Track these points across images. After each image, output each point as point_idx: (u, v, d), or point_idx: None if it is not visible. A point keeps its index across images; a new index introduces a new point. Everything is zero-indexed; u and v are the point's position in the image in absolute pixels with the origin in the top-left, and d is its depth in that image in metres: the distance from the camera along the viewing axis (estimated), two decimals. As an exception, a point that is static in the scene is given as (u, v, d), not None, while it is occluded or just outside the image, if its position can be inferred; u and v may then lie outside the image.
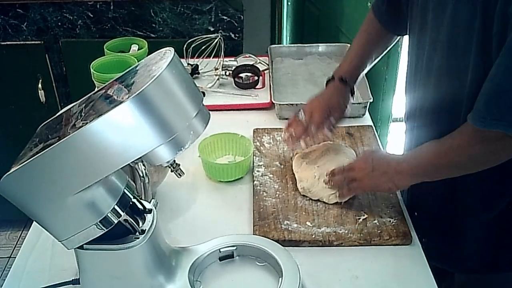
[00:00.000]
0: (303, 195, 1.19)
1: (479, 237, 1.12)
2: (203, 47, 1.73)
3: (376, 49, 1.30)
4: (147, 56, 0.85)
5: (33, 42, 2.06)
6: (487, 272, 1.16)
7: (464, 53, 0.94)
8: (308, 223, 1.11)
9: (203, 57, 1.74)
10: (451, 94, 1.01)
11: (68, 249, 0.83)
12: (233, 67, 1.72)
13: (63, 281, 0.95)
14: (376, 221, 1.10)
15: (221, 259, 0.99)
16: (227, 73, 1.69)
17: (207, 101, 1.38)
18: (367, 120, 1.52)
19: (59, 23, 2.04)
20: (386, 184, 1.06)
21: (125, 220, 0.86)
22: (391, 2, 1.20)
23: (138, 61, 0.92)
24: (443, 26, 0.98)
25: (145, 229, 0.87)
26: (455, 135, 0.97)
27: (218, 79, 1.67)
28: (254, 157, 1.32)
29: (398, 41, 1.34)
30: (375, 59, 1.31)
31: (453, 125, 0.98)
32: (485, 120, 0.89)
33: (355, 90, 1.29)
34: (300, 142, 1.24)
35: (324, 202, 1.16)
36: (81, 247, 0.84)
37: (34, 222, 0.93)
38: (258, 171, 1.27)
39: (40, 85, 2.12)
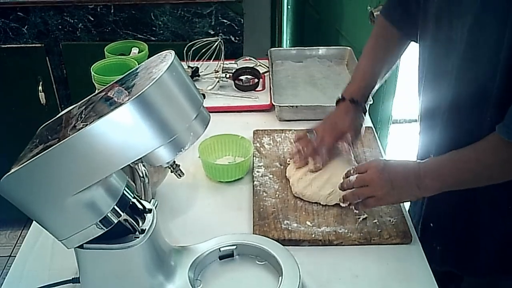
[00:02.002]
0: (302, 196, 1.19)
1: (499, 241, 1.09)
2: (203, 50, 1.73)
3: (388, 61, 1.26)
4: (147, 59, 0.86)
5: (33, 45, 2.07)
6: (499, 277, 1.14)
7: (489, 58, 0.92)
8: (308, 222, 1.11)
9: (203, 60, 1.74)
10: (472, 95, 0.98)
11: (68, 248, 0.83)
12: (233, 70, 1.72)
13: (63, 279, 0.95)
14: (376, 220, 1.11)
15: (221, 258, 0.99)
16: (227, 76, 1.70)
17: (207, 103, 1.38)
18: (367, 121, 1.51)
19: (60, 26, 2.05)
20: (409, 198, 1.06)
21: (125, 220, 0.86)
22: (405, 6, 1.17)
23: (138, 64, 0.92)
24: (463, 32, 0.95)
25: (145, 229, 0.88)
26: (480, 148, 0.94)
27: (218, 81, 1.68)
28: (254, 158, 1.32)
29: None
30: (385, 74, 1.28)
31: (475, 124, 0.97)
32: None
33: (367, 108, 1.27)
34: (309, 161, 1.21)
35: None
36: (81, 247, 0.84)
37: (34, 222, 0.93)
38: (258, 171, 1.27)
39: (40, 88, 2.12)
